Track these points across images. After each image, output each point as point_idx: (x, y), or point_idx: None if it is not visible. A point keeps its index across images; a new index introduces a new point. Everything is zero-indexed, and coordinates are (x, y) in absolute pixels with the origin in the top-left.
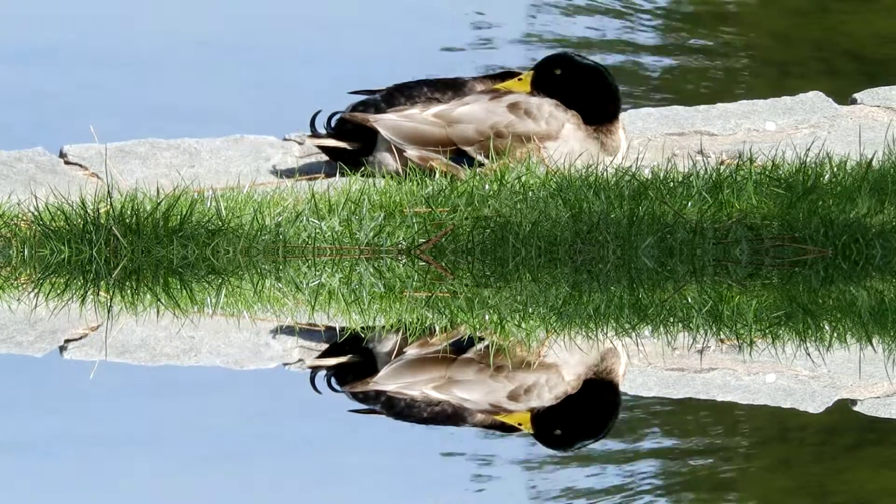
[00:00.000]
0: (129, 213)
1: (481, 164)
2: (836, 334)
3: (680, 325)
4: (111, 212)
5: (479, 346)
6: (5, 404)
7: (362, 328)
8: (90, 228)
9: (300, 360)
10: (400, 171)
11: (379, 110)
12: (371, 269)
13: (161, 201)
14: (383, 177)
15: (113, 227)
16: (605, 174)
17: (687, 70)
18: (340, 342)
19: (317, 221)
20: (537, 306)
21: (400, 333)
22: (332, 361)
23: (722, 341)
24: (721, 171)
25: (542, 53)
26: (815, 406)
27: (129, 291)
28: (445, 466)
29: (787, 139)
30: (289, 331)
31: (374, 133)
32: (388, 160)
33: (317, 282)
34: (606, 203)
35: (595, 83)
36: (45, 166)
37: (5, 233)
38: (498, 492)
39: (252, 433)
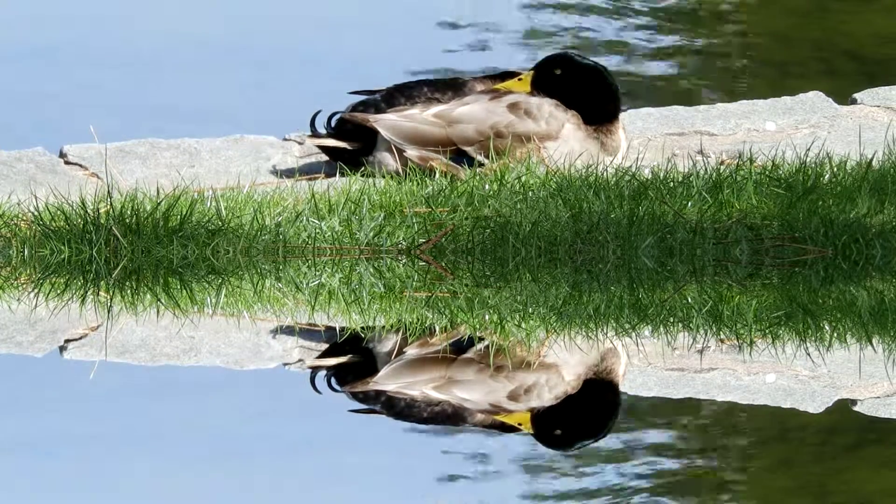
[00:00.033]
0: (129, 213)
1: (481, 164)
2: (836, 334)
3: (680, 325)
4: (111, 212)
5: (479, 346)
6: (5, 404)
7: (362, 328)
8: (90, 228)
9: (300, 360)
10: (400, 171)
11: (379, 110)
12: (371, 269)
13: (161, 201)
14: (383, 177)
15: (113, 227)
16: (605, 174)
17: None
18: (340, 342)
19: (317, 221)
20: (537, 306)
21: (400, 333)
22: (332, 361)
23: (722, 341)
24: (721, 171)
25: (542, 53)
26: (815, 406)
27: (129, 291)
28: (445, 466)
29: (787, 139)
30: (289, 331)
31: (374, 133)
32: (388, 160)
33: (317, 282)
34: (606, 203)
35: (595, 83)
36: (45, 166)
37: (5, 233)
38: (498, 492)
39: (252, 433)
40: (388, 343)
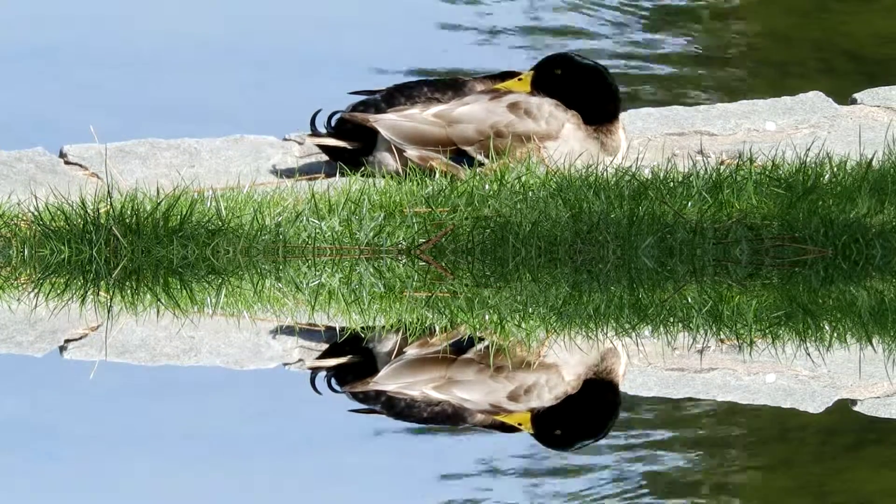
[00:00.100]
0: (129, 213)
1: (481, 164)
2: (836, 334)
3: (680, 325)
4: (111, 212)
5: (479, 346)
6: (5, 404)
7: (362, 328)
8: (90, 228)
9: (300, 360)
10: (400, 171)
11: (379, 110)
12: (371, 269)
13: (161, 201)
14: (383, 177)
15: (113, 227)
16: (605, 174)
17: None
18: (340, 342)
19: (317, 221)
20: (537, 306)
21: (400, 333)
22: (332, 362)
23: (722, 341)
24: (721, 171)
25: (543, 53)
26: (815, 406)
27: (129, 291)
28: (445, 466)
29: (787, 139)
30: (289, 331)
31: (374, 133)
32: (388, 160)
33: (317, 282)
34: (606, 203)
35: (595, 83)
36: (45, 166)
37: (5, 233)
38: (498, 491)
39: (252, 433)
40: (388, 343)
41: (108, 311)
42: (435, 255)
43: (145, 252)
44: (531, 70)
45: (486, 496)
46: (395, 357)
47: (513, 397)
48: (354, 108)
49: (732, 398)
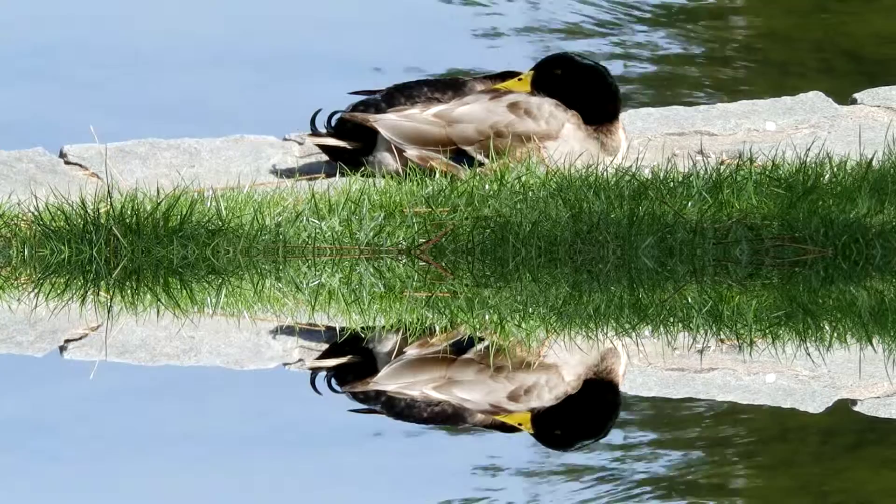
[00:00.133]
0: (129, 213)
1: (481, 164)
2: (836, 334)
3: (680, 325)
4: (111, 212)
5: (479, 346)
6: (5, 404)
7: (362, 328)
8: (90, 228)
9: (300, 360)
10: (400, 171)
11: (379, 110)
12: (371, 269)
13: (161, 201)
14: (383, 177)
15: (113, 227)
16: (605, 174)
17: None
18: (340, 342)
19: (317, 221)
20: (537, 306)
21: (400, 333)
22: (332, 362)
23: (722, 341)
24: (721, 171)
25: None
26: (815, 406)
27: (129, 291)
28: (446, 467)
29: (787, 139)
30: (289, 331)
31: (374, 133)
32: (388, 160)
33: (317, 282)
34: (606, 203)
35: (595, 83)
36: (45, 166)
37: (5, 233)
38: (497, 491)
39: (252, 433)
40: (388, 343)
41: (108, 311)
42: (435, 255)
43: (145, 252)
44: (531, 70)
45: (485, 496)
46: (395, 357)
47: (513, 397)
48: (354, 108)
49: (732, 398)
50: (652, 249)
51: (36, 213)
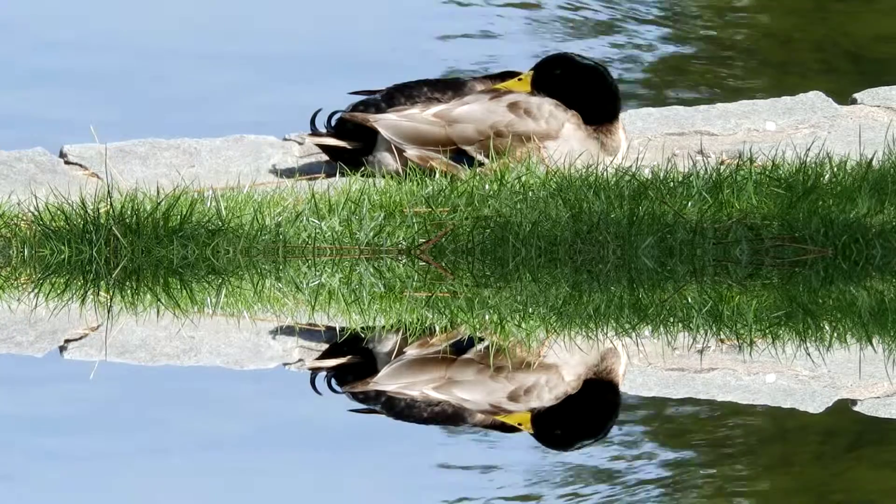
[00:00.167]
0: (129, 213)
1: (481, 164)
2: (836, 334)
3: (680, 325)
4: (111, 212)
5: (479, 346)
6: (5, 404)
7: (362, 328)
8: (90, 228)
9: (300, 360)
10: (400, 171)
11: (379, 110)
12: (371, 269)
13: (161, 201)
14: (383, 177)
15: (113, 227)
16: (605, 174)
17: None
18: (340, 342)
19: (317, 221)
20: (537, 306)
21: (400, 333)
22: (332, 362)
23: (722, 341)
24: (721, 171)
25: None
26: (815, 406)
27: (129, 291)
28: (445, 467)
29: (787, 139)
30: (289, 331)
31: (374, 133)
32: (388, 160)
33: (317, 282)
34: (606, 203)
35: (595, 83)
36: (45, 166)
37: (5, 233)
38: (497, 491)
39: (252, 433)
40: (388, 343)
41: (108, 311)
42: (435, 255)
43: (145, 252)
44: (531, 70)
45: (485, 496)
46: (395, 357)
47: (513, 397)
48: (354, 108)
49: (732, 398)
50: (652, 249)
51: (36, 213)
